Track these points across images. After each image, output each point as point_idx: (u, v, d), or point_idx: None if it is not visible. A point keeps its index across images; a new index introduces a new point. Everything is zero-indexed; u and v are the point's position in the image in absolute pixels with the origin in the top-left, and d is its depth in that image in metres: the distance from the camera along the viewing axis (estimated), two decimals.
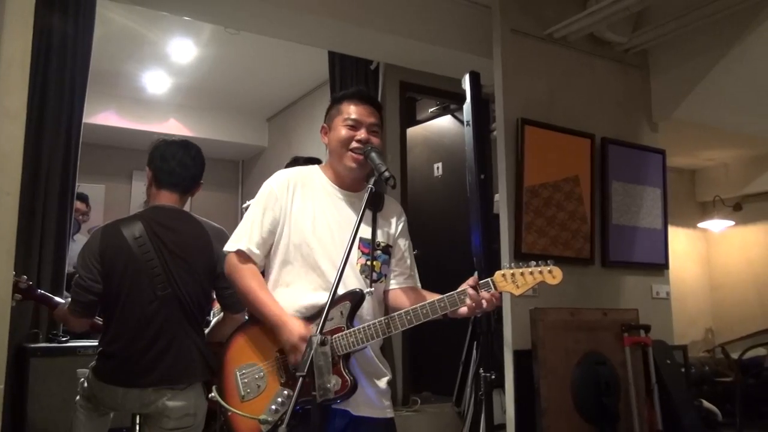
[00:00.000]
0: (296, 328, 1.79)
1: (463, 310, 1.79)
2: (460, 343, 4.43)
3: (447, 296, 1.80)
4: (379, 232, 2.01)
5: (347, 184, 2.03)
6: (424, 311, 1.80)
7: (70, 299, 2.39)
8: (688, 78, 4.11)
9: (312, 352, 1.47)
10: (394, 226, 2.08)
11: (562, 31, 3.76)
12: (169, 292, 2.30)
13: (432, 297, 1.86)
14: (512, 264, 1.81)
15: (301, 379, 1.46)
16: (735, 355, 4.74)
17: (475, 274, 1.88)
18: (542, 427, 3.10)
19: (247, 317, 2.28)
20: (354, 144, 1.96)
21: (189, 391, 2.30)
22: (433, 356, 5.00)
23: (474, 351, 4.09)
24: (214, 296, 2.54)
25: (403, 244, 2.09)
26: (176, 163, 2.44)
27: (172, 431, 2.28)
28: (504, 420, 3.34)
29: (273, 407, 1.79)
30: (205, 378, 2.33)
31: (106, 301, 2.33)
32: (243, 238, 1.96)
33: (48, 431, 3.39)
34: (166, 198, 2.45)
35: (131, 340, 2.28)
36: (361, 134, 1.97)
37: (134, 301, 2.29)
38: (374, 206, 1.99)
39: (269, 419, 1.77)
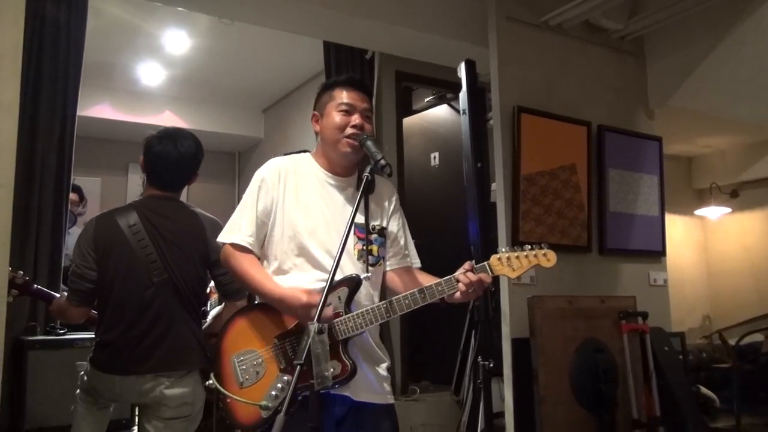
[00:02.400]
0: (298, 293, 1.80)
1: (458, 295, 1.82)
2: (458, 331, 4.43)
3: (444, 280, 1.83)
4: (372, 216, 2.01)
5: (339, 170, 2.04)
6: (422, 296, 1.83)
7: (67, 290, 2.39)
8: (684, 65, 4.09)
9: (309, 340, 1.47)
10: (387, 206, 2.08)
11: (557, 19, 3.74)
12: (165, 278, 2.30)
13: (427, 278, 1.91)
14: (507, 248, 1.85)
15: (298, 367, 1.46)
16: (732, 341, 4.76)
17: (472, 261, 1.89)
18: (541, 414, 3.11)
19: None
20: (350, 130, 1.97)
21: (187, 378, 2.30)
22: (432, 345, 5.01)
23: (472, 339, 4.09)
24: (212, 286, 2.54)
25: (397, 223, 2.10)
26: (167, 167, 2.44)
27: (171, 420, 2.28)
28: (503, 408, 3.35)
29: (273, 393, 1.80)
30: (203, 365, 2.33)
31: (101, 289, 2.33)
32: (237, 230, 1.96)
33: (46, 423, 3.40)
34: (159, 193, 2.47)
35: (127, 327, 2.28)
36: (356, 120, 1.98)
37: (130, 287, 2.30)
38: (367, 190, 1.98)
39: (269, 405, 1.77)
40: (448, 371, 4.53)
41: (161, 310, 2.29)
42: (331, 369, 1.76)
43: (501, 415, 3.35)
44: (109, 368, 2.30)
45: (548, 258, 1.85)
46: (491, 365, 3.21)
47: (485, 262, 1.85)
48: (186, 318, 2.34)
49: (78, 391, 2.45)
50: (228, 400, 1.86)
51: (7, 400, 3.32)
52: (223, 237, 1.99)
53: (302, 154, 2.12)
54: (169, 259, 2.32)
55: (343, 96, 2.01)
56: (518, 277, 1.89)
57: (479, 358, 3.26)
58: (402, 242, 2.10)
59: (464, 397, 4.15)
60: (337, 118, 1.99)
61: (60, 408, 3.40)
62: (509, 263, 1.84)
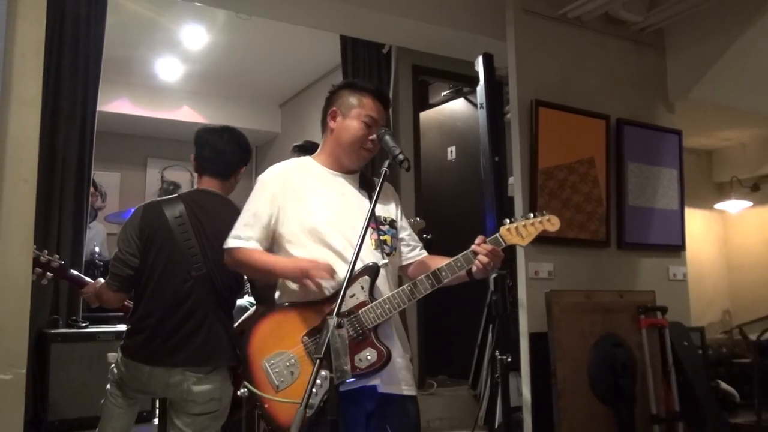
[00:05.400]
0: (308, 259, 1.86)
1: (477, 267, 1.88)
2: (475, 326, 4.43)
3: (461, 255, 1.90)
4: (381, 209, 2.05)
5: (344, 170, 2.07)
6: (443, 273, 1.89)
7: (108, 274, 2.41)
8: (704, 57, 4.04)
9: (329, 334, 1.48)
10: (393, 203, 2.14)
11: (575, 11, 3.71)
12: (203, 273, 2.31)
13: (447, 260, 1.95)
14: (512, 219, 1.97)
15: (318, 361, 1.48)
16: (753, 336, 4.71)
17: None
18: (558, 408, 3.11)
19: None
20: (369, 144, 2.01)
21: (215, 375, 2.30)
22: (449, 339, 5.01)
23: (490, 334, 4.09)
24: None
25: (406, 220, 2.19)
26: (210, 150, 2.50)
27: (199, 416, 2.29)
28: (520, 402, 3.35)
29: (314, 391, 1.79)
30: (232, 363, 2.34)
31: (140, 277, 2.35)
32: (243, 235, 1.98)
33: (68, 415, 3.45)
34: (208, 183, 2.50)
35: (163, 318, 2.29)
36: (375, 135, 2.02)
37: (168, 278, 2.31)
38: (370, 186, 2.05)
39: (312, 402, 1.77)
40: (465, 365, 4.53)
41: (197, 304, 2.30)
42: (367, 357, 1.82)
43: (519, 409, 3.35)
44: (138, 356, 2.31)
45: (552, 222, 1.96)
46: (509, 359, 3.20)
47: (496, 234, 1.93)
48: (220, 315, 2.35)
49: (108, 386, 2.45)
50: (266, 406, 1.85)
51: (31, 392, 3.38)
52: (232, 243, 1.99)
53: (302, 157, 2.16)
54: (209, 254, 2.32)
55: (371, 108, 2.03)
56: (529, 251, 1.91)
57: (497, 353, 3.25)
58: (415, 236, 2.20)
59: (482, 391, 4.15)
60: (360, 127, 2.01)
61: (82, 399, 3.46)
62: (518, 232, 1.94)
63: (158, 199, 2.48)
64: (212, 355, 2.30)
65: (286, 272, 1.91)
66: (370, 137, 2.00)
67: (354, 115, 2.02)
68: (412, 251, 2.15)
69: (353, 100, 2.04)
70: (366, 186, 2.08)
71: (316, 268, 1.81)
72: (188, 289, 2.31)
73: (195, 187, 2.56)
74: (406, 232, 2.15)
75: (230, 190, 2.55)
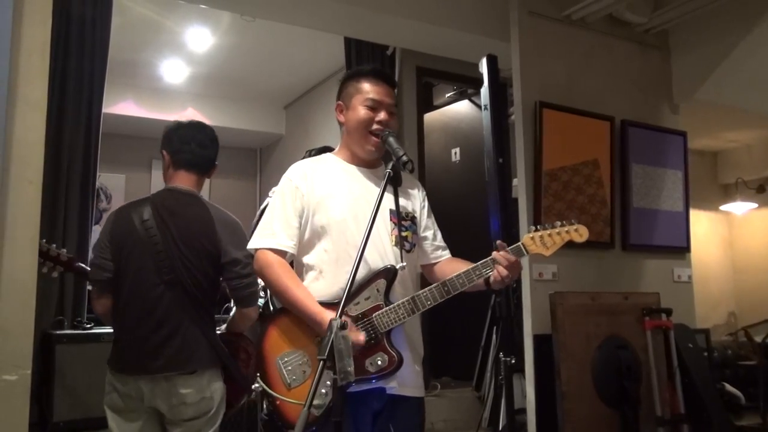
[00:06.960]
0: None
1: (495, 277, 1.83)
2: (479, 328, 4.43)
3: (480, 263, 1.85)
4: (403, 204, 2.02)
5: (364, 163, 2.05)
6: (461, 281, 1.85)
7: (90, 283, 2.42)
8: (709, 58, 4.03)
9: (332, 335, 1.48)
10: (418, 199, 2.11)
11: (580, 13, 3.71)
12: (173, 277, 2.27)
13: (469, 265, 1.91)
14: (537, 227, 1.86)
15: (321, 362, 1.48)
16: (758, 339, 4.70)
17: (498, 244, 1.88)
18: (562, 410, 3.10)
19: (271, 308, 2.27)
20: (375, 126, 1.97)
21: (200, 374, 2.27)
22: (453, 341, 5.01)
23: (493, 336, 4.09)
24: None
25: (432, 219, 2.14)
26: (196, 145, 2.45)
27: (194, 420, 2.26)
28: (524, 404, 3.34)
29: (323, 391, 1.79)
30: (214, 366, 2.31)
31: (115, 283, 2.33)
32: (270, 235, 1.94)
33: (73, 416, 3.46)
34: (183, 179, 2.44)
35: (135, 325, 2.27)
36: (382, 116, 1.98)
37: (140, 284, 2.28)
38: (394, 181, 1.99)
39: (321, 403, 1.77)
40: (469, 367, 4.54)
41: (170, 309, 2.27)
42: (351, 367, 1.77)
43: (523, 411, 3.35)
44: (120, 367, 2.28)
45: (580, 233, 1.86)
46: (513, 361, 3.21)
47: (519, 243, 1.86)
48: (196, 318, 2.30)
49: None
50: (278, 402, 1.86)
51: (35, 393, 3.39)
52: (258, 242, 1.95)
53: (324, 154, 2.13)
54: (177, 257, 2.29)
55: (370, 90, 1.99)
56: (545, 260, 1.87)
57: (501, 354, 3.26)
58: (440, 236, 2.15)
59: (486, 393, 4.15)
60: (362, 112, 1.98)
61: (87, 400, 3.46)
62: (542, 241, 1.85)
63: (128, 203, 2.44)
64: (192, 357, 2.26)
65: (313, 324, 1.82)
66: (376, 119, 1.97)
67: (356, 103, 2.00)
68: (436, 251, 2.12)
69: (352, 89, 2.03)
70: (394, 180, 2.01)
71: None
72: (159, 293, 2.27)
73: (167, 184, 2.48)
74: (430, 232, 2.12)
75: (201, 187, 2.50)
